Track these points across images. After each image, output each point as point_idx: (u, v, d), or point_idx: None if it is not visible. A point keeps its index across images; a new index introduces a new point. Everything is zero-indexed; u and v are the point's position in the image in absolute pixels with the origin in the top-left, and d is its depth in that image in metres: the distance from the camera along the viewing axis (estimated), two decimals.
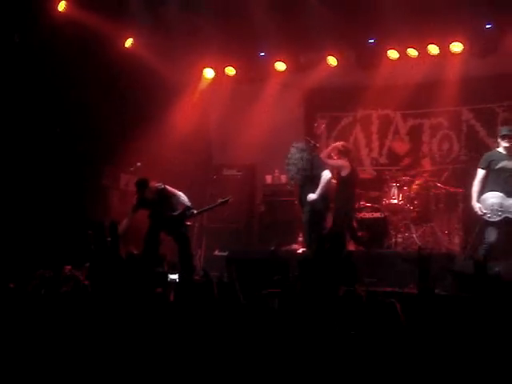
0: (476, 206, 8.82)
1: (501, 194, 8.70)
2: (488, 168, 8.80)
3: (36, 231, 10.11)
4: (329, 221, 10.06)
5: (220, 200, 10.41)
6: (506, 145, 8.75)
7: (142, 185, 9.92)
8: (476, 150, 11.37)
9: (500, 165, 8.75)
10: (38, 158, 10.56)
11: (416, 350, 3.49)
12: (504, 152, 8.79)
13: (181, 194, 10.09)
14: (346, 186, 10.18)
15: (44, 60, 10.44)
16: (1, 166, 10.17)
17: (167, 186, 10.04)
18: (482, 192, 8.84)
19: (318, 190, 9.55)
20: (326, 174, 9.65)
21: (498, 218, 8.67)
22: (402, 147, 11.69)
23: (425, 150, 12.20)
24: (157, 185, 9.99)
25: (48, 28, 10.28)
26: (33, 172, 10.46)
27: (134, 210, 10.13)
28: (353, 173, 10.29)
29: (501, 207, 8.66)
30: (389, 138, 12.42)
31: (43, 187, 10.55)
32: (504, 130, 9.00)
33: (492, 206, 8.69)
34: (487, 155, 9.00)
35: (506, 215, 8.65)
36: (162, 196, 9.99)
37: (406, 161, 11.45)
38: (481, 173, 8.86)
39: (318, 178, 9.62)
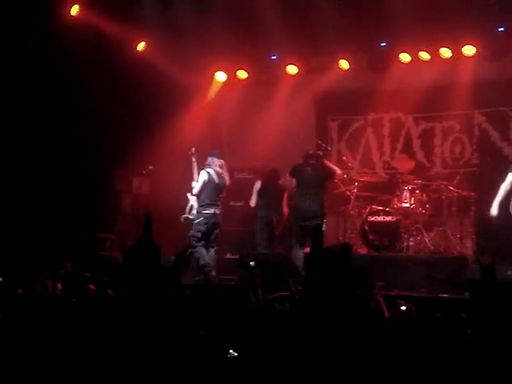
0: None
1: None
2: None
3: (48, 235, 10.16)
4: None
5: None
6: None
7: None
8: (488, 153, 11.34)
9: None
10: (51, 161, 10.63)
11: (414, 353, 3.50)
12: None
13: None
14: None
15: (57, 64, 10.50)
16: (14, 169, 10.24)
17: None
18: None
19: None
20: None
21: None
22: (406, 165, 11.49)
23: (436, 153, 12.17)
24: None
25: (61, 32, 10.34)
26: (45, 175, 10.52)
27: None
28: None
29: None
30: (390, 155, 12.40)
31: (56, 191, 10.61)
32: None
33: None
34: None
35: None
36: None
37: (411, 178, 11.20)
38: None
39: None
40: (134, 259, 3.82)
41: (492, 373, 3.35)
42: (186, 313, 4.17)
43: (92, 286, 6.34)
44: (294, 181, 11.59)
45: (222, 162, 10.23)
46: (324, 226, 9.99)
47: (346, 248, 3.89)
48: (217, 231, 10.13)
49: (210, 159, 10.16)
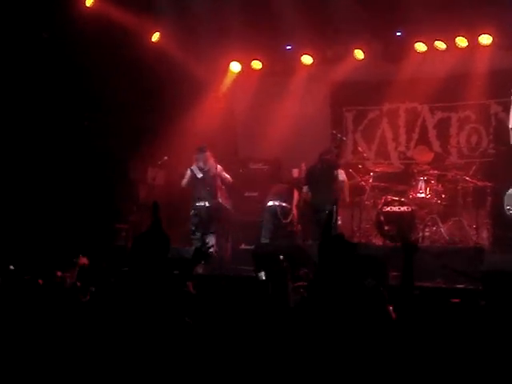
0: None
1: None
2: None
3: (64, 226, 10.22)
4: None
5: None
6: None
7: None
8: (505, 143, 11.25)
9: None
10: (67, 152, 10.68)
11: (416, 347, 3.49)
12: None
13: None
14: None
15: (72, 55, 10.54)
16: (29, 159, 10.30)
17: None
18: None
19: None
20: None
21: None
22: (424, 157, 11.45)
23: (452, 143, 12.10)
24: None
25: (76, 23, 10.37)
26: (61, 166, 10.58)
27: None
28: None
29: None
30: (406, 145, 12.38)
31: (71, 181, 10.67)
32: None
33: None
34: None
35: None
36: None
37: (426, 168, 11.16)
38: None
39: None
40: (143, 246, 3.84)
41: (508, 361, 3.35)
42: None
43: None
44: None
45: (205, 154, 10.60)
46: (339, 218, 10.04)
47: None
48: (215, 221, 10.58)
49: (195, 156, 10.65)
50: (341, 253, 3.82)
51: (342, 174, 10.60)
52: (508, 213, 9.15)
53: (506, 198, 9.28)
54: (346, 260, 3.80)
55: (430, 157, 11.30)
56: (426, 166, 11.02)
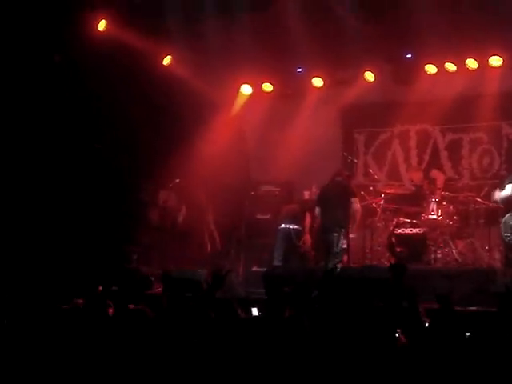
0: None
1: None
2: None
3: (74, 247, 10.24)
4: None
5: None
6: None
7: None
8: None
9: None
10: (78, 174, 10.73)
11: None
12: None
13: None
14: None
15: (84, 79, 10.62)
16: (41, 180, 10.35)
17: None
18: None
19: None
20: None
21: None
22: (417, 176, 11.50)
23: (464, 164, 12.08)
24: None
25: (88, 47, 10.45)
26: (72, 188, 10.62)
27: None
28: None
29: None
30: (405, 167, 12.44)
31: (82, 203, 10.70)
32: None
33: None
34: None
35: None
36: None
37: (426, 187, 11.16)
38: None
39: None
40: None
41: None
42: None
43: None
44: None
45: None
46: (342, 239, 10.07)
47: None
48: None
49: None
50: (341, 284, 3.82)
51: (356, 203, 10.59)
52: (506, 240, 9.27)
53: (502, 225, 9.40)
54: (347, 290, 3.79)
55: (420, 176, 11.43)
56: (437, 188, 11.00)
